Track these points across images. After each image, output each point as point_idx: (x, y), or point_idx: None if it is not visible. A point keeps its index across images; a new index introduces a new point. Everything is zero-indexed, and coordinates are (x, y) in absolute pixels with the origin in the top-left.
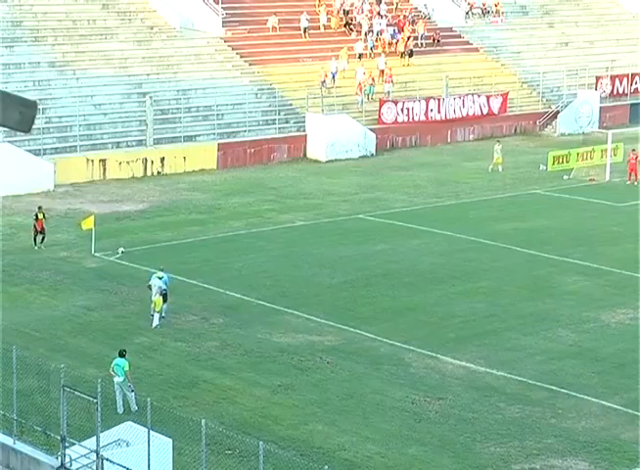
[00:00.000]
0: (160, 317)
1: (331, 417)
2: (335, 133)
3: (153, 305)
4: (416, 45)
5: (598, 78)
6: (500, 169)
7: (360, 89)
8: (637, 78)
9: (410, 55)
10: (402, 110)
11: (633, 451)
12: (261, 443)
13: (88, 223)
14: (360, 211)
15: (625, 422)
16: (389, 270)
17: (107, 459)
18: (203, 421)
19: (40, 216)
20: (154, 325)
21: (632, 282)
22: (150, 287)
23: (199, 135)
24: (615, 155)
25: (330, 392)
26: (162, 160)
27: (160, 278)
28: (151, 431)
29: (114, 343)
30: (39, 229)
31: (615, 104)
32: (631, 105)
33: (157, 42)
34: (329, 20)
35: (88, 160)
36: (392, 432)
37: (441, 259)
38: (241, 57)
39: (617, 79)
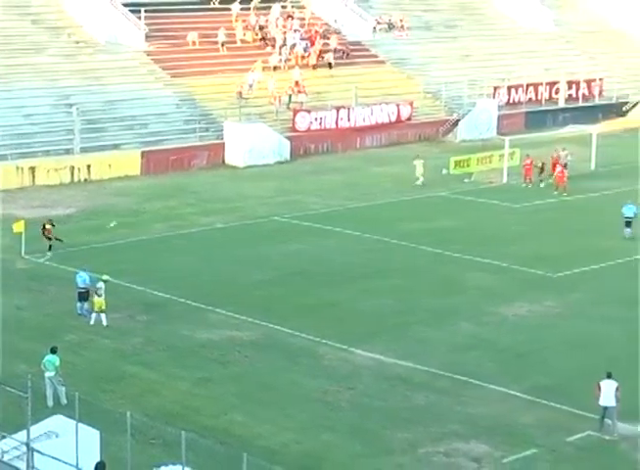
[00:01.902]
0: (94, 315)
1: (249, 408)
2: (252, 141)
3: (93, 305)
4: (324, 58)
5: (496, 88)
6: (418, 184)
7: (275, 99)
8: (532, 88)
9: (330, 66)
10: (315, 119)
11: (530, 435)
12: (183, 432)
13: (18, 227)
14: (277, 214)
15: (524, 407)
16: (305, 269)
17: (37, 451)
18: (128, 413)
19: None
20: (105, 324)
21: (529, 277)
22: (95, 290)
23: (124, 143)
24: (511, 159)
25: (248, 384)
26: (89, 167)
27: (106, 281)
28: (79, 423)
29: (44, 340)
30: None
31: (511, 112)
32: (526, 113)
33: (83, 56)
34: (245, 34)
35: (18, 167)
36: (307, 420)
37: (353, 258)
38: (163, 69)
39: (513, 89)
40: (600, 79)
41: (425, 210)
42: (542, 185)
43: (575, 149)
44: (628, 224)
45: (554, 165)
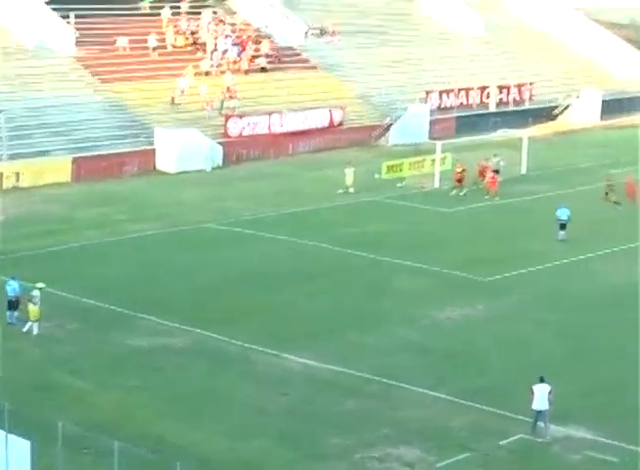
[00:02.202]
0: (29, 324)
1: (182, 415)
2: (183, 146)
3: (27, 314)
4: (256, 64)
5: (427, 93)
6: (351, 191)
7: (207, 104)
8: (463, 93)
9: (263, 71)
10: (247, 124)
11: (463, 439)
12: (116, 441)
13: None
14: (210, 220)
15: (456, 411)
16: (238, 275)
17: None
18: (59, 423)
19: None
20: (35, 332)
21: (461, 281)
22: (30, 298)
23: (54, 150)
24: (443, 164)
25: (181, 391)
26: (18, 174)
27: (41, 289)
28: (9, 435)
29: None
30: None
31: (442, 116)
32: (457, 117)
33: (12, 61)
34: (176, 39)
35: None
36: (241, 427)
37: (286, 264)
38: (93, 75)
39: (444, 94)
40: (530, 83)
41: (358, 215)
42: (462, 193)
43: (506, 153)
44: (562, 227)
45: (481, 172)
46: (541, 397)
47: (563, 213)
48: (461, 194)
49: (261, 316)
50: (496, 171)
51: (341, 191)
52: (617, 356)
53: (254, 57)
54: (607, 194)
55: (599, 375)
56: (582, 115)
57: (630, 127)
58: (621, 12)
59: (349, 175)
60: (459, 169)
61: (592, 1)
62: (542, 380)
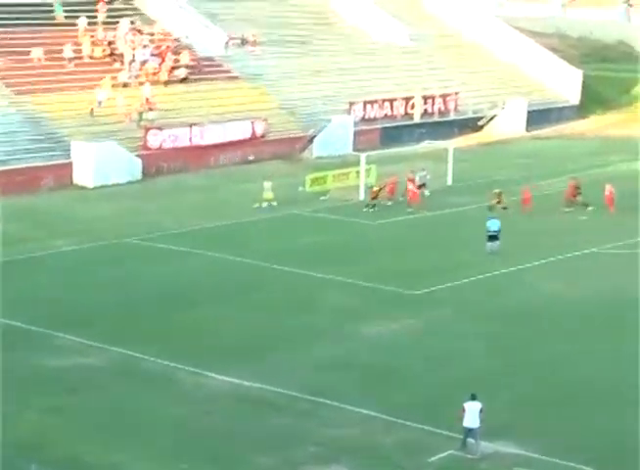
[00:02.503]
0: None
1: (103, 437)
2: (101, 160)
3: None
4: (175, 75)
5: (351, 104)
6: (266, 205)
7: (125, 116)
8: (387, 104)
9: (183, 81)
10: (168, 136)
11: (392, 456)
12: (34, 465)
13: None
14: (129, 235)
15: (385, 428)
16: (159, 292)
17: None
18: None
19: None
20: None
21: (389, 295)
22: None
23: None
24: (368, 176)
25: (101, 412)
26: None
27: None
28: None
29: None
30: None
31: (367, 127)
32: (382, 129)
33: None
34: (93, 50)
35: None
36: (164, 448)
37: (209, 280)
38: (7, 87)
39: (368, 105)
40: (455, 94)
41: (282, 229)
42: (371, 209)
43: (432, 165)
44: (492, 238)
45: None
46: (472, 414)
47: (493, 225)
48: (371, 210)
49: (185, 334)
50: (422, 185)
51: (257, 205)
52: (548, 370)
53: (174, 68)
54: (498, 202)
55: (529, 389)
56: (508, 125)
57: (556, 138)
58: (546, 21)
59: (268, 189)
60: (376, 188)
61: (517, 10)
62: (474, 398)
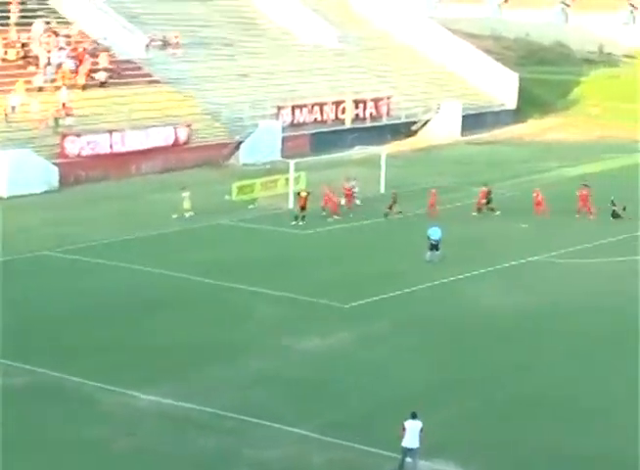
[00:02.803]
0: None
1: (18, 459)
2: (16, 168)
3: None
4: (94, 78)
5: (279, 108)
6: (187, 216)
7: (40, 122)
8: (317, 108)
9: (103, 86)
10: (87, 143)
11: None
12: None
13: None
14: (46, 248)
15: (317, 447)
16: (78, 307)
17: None
18: None
19: None
20: None
21: (321, 308)
22: None
23: None
24: (297, 183)
25: (17, 434)
26: None
27: None
28: None
29: None
30: None
31: (295, 133)
32: (312, 134)
33: None
34: (6, 53)
35: None
36: None
37: (131, 294)
38: None
39: (297, 109)
40: (387, 97)
41: (208, 239)
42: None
43: (364, 171)
44: (433, 247)
45: (346, 195)
46: (412, 434)
47: (434, 233)
48: (300, 223)
49: (105, 352)
50: (353, 194)
51: (176, 216)
52: (488, 385)
53: (92, 71)
54: (390, 207)
55: (469, 405)
56: (442, 130)
57: (491, 143)
58: (481, 22)
59: (186, 199)
60: (304, 194)
61: (451, 11)
62: (414, 416)
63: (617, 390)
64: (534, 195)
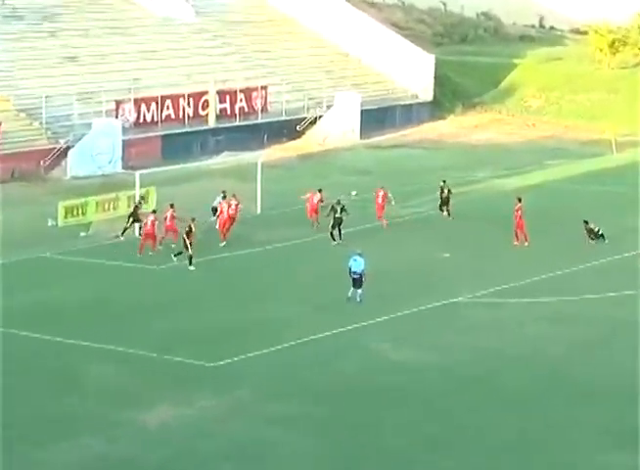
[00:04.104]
0: None
1: None
2: None
3: None
4: None
5: (118, 103)
6: None
7: None
8: (169, 102)
9: None
10: None
11: None
12: None
13: None
14: None
15: None
16: None
17: None
18: None
19: None
20: None
21: (176, 369)
22: None
23: None
24: (146, 202)
25: None
26: None
27: None
28: None
29: None
30: None
31: (142, 135)
32: (164, 137)
33: None
34: None
35: None
36: None
37: None
38: None
39: (143, 104)
40: (262, 88)
41: (24, 278)
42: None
43: (235, 185)
44: (355, 282)
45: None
46: None
47: (356, 265)
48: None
49: None
50: (231, 218)
51: None
52: (394, 465)
53: None
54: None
55: None
56: (336, 129)
57: (401, 147)
58: None
59: None
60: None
61: None
62: None
63: None
64: (377, 194)
